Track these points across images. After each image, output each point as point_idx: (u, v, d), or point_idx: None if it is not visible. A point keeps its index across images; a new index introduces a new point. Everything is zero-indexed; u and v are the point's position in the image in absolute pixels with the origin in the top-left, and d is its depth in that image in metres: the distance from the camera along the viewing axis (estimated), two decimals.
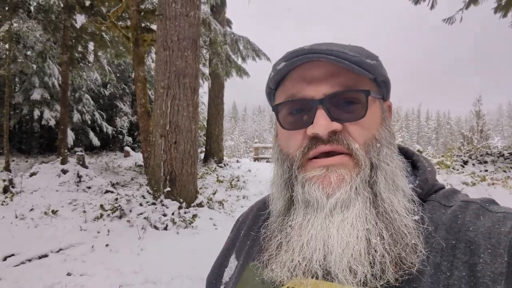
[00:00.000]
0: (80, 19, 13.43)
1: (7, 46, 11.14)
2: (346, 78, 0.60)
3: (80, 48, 14.58)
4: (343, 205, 0.56)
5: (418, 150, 9.89)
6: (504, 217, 0.54)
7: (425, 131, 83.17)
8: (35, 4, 12.73)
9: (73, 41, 13.53)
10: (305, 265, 0.55)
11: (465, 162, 9.55)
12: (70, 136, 14.82)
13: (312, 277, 0.55)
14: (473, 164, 9.39)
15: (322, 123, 0.58)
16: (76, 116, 15.63)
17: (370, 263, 0.52)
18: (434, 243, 0.54)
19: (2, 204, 7.20)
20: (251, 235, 0.75)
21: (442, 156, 10.39)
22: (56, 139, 13.87)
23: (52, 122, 14.41)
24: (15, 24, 10.90)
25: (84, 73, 15.54)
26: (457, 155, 10.18)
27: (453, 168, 9.01)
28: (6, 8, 11.12)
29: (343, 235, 0.54)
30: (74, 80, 14.93)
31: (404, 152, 0.72)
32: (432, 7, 10.17)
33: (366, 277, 0.52)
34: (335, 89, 0.60)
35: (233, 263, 0.74)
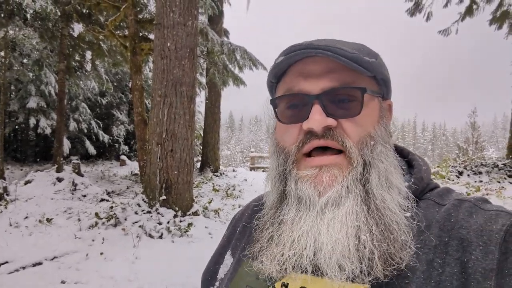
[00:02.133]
0: (77, 28, 13.49)
1: (2, 53, 11.13)
2: (344, 74, 0.60)
3: (77, 57, 14.61)
4: (334, 203, 0.57)
5: None
6: (496, 215, 0.55)
7: (421, 142, 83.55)
8: (31, 11, 12.77)
9: (71, 49, 13.56)
10: (295, 260, 0.56)
11: (460, 173, 9.61)
12: (66, 144, 14.77)
13: (301, 272, 0.56)
14: (468, 175, 9.45)
15: (317, 118, 0.58)
16: (73, 125, 15.59)
17: (359, 259, 0.53)
18: (427, 240, 0.55)
19: None
20: (247, 232, 0.75)
21: (438, 166, 10.45)
22: (52, 148, 13.82)
23: (48, 131, 14.35)
24: (11, 31, 10.92)
25: (81, 82, 15.55)
26: (453, 166, 10.25)
27: (449, 179, 9.07)
28: (2, 15, 11.15)
29: (333, 232, 0.55)
30: (71, 89, 14.93)
31: (400, 151, 0.72)
32: (427, 19, 10.34)
33: (354, 273, 0.53)
34: (332, 85, 0.60)
35: (228, 260, 0.75)
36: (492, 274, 0.49)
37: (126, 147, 18.83)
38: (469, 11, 9.74)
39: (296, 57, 0.62)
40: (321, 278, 0.55)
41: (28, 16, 13.27)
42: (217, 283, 0.73)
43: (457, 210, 0.57)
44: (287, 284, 0.58)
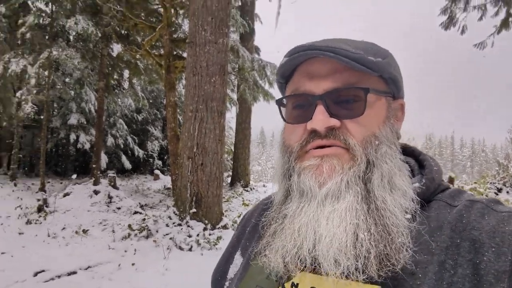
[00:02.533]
0: (116, 48, 14.20)
1: (46, 73, 11.83)
2: (349, 75, 0.61)
3: (115, 76, 15.34)
4: (334, 196, 0.57)
5: (451, 177, 9.58)
6: (508, 217, 0.54)
7: (459, 159, 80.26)
8: (74, 33, 13.59)
9: (110, 68, 14.24)
10: (295, 252, 0.56)
11: (499, 190, 9.16)
12: (104, 159, 15.34)
13: (301, 265, 0.57)
14: (508, 192, 8.99)
15: (320, 119, 0.59)
16: (110, 140, 16.22)
17: (355, 256, 0.53)
18: (438, 241, 0.55)
19: (35, 223, 7.49)
20: (256, 231, 0.75)
21: (475, 182, 10.00)
22: (90, 162, 14.40)
23: (87, 146, 15.00)
24: (54, 52, 11.62)
25: (119, 99, 16.24)
26: (491, 183, 9.78)
27: (486, 196, 8.65)
28: (46, 37, 11.90)
29: (331, 226, 0.55)
30: (109, 106, 15.60)
31: (411, 152, 0.72)
32: (462, 32, 10.08)
33: (349, 269, 0.53)
34: (335, 86, 0.60)
35: (238, 259, 0.75)
36: (505, 276, 0.48)
37: (160, 162, 19.33)
38: (505, 24, 9.41)
39: (299, 58, 0.63)
40: (331, 278, 0.55)
41: (71, 37, 14.12)
42: (227, 283, 0.73)
43: (469, 211, 0.57)
44: (297, 284, 0.58)
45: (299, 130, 0.63)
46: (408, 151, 0.72)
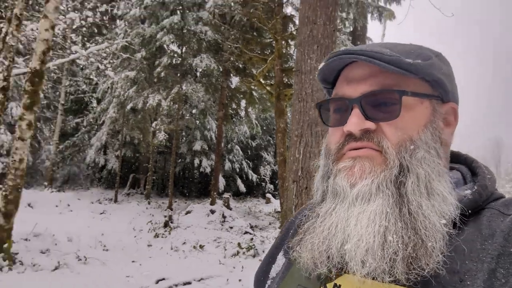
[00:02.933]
0: (234, 80, 15.53)
1: (176, 105, 13.50)
2: (385, 78, 0.61)
3: (233, 105, 16.68)
4: (364, 197, 0.57)
5: None
6: None
7: None
8: (200, 70, 15.34)
9: (228, 99, 15.57)
10: (324, 249, 0.58)
11: None
12: (222, 182, 16.60)
13: (328, 263, 0.58)
14: None
15: (354, 121, 0.60)
16: (227, 165, 17.54)
17: (382, 257, 0.53)
18: (490, 249, 0.53)
19: (162, 237, 8.50)
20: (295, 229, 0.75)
21: None
22: (210, 184, 15.74)
23: (208, 170, 16.48)
24: (183, 87, 13.26)
25: (236, 127, 17.58)
26: None
27: None
28: (178, 74, 13.64)
29: (359, 227, 0.55)
30: (228, 133, 16.97)
31: (463, 159, 0.71)
32: None
33: (376, 270, 0.53)
34: (371, 89, 0.61)
35: (280, 260, 0.76)
36: None
37: (272, 186, 20.03)
38: None
39: (334, 63, 0.65)
40: (376, 282, 0.54)
41: (198, 73, 15.98)
42: (269, 281, 0.75)
43: None
44: (339, 285, 0.59)
45: (337, 133, 0.65)
46: (460, 159, 0.71)
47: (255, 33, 13.56)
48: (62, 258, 6.07)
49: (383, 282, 0.53)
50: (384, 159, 0.59)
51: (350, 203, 0.58)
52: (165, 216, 9.17)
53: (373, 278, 0.54)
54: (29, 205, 11.98)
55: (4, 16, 9.73)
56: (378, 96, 0.61)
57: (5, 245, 5.48)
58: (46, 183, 17.58)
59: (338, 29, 11.62)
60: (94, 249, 7.18)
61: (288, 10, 14.97)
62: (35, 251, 6.08)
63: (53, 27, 6.42)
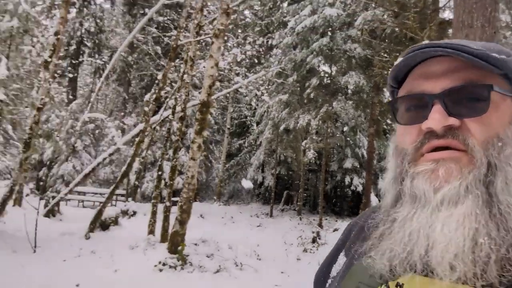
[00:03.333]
0: (387, 95, 14.97)
1: (325, 124, 13.82)
2: (468, 72, 0.58)
3: (387, 120, 16.05)
4: (451, 201, 0.54)
5: None
6: None
7: None
8: (351, 87, 15.39)
9: (380, 114, 15.08)
10: (405, 256, 0.55)
11: None
12: (374, 201, 16.01)
13: (410, 270, 0.55)
14: None
15: (436, 118, 0.56)
16: (381, 183, 16.82)
17: (473, 261, 0.50)
18: None
19: (310, 252, 8.81)
20: (362, 233, 0.73)
21: None
22: (361, 203, 15.40)
23: (360, 188, 16.16)
24: (334, 105, 13.51)
25: (389, 143, 16.82)
26: None
27: None
28: (327, 94, 13.99)
29: (447, 231, 0.52)
30: (380, 150, 16.37)
31: None
32: None
33: (466, 275, 0.50)
34: (455, 84, 0.58)
35: (341, 259, 0.74)
36: None
37: None
38: None
39: (415, 58, 0.61)
40: (445, 283, 0.52)
41: (349, 91, 16.07)
42: (329, 280, 0.74)
43: None
44: (402, 284, 0.56)
45: (413, 132, 0.61)
46: None
47: (407, 43, 12.91)
48: (223, 262, 6.97)
49: (474, 286, 0.50)
50: (470, 159, 0.55)
51: (434, 208, 0.55)
52: (313, 232, 9.48)
53: (463, 283, 0.51)
54: (201, 215, 14.07)
55: (182, 58, 11.94)
56: (464, 91, 0.57)
57: (179, 248, 6.66)
58: (215, 198, 20.25)
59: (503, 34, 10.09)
60: (249, 257, 7.97)
61: (445, 14, 13.71)
62: (202, 254, 7.15)
63: (217, 64, 7.59)
